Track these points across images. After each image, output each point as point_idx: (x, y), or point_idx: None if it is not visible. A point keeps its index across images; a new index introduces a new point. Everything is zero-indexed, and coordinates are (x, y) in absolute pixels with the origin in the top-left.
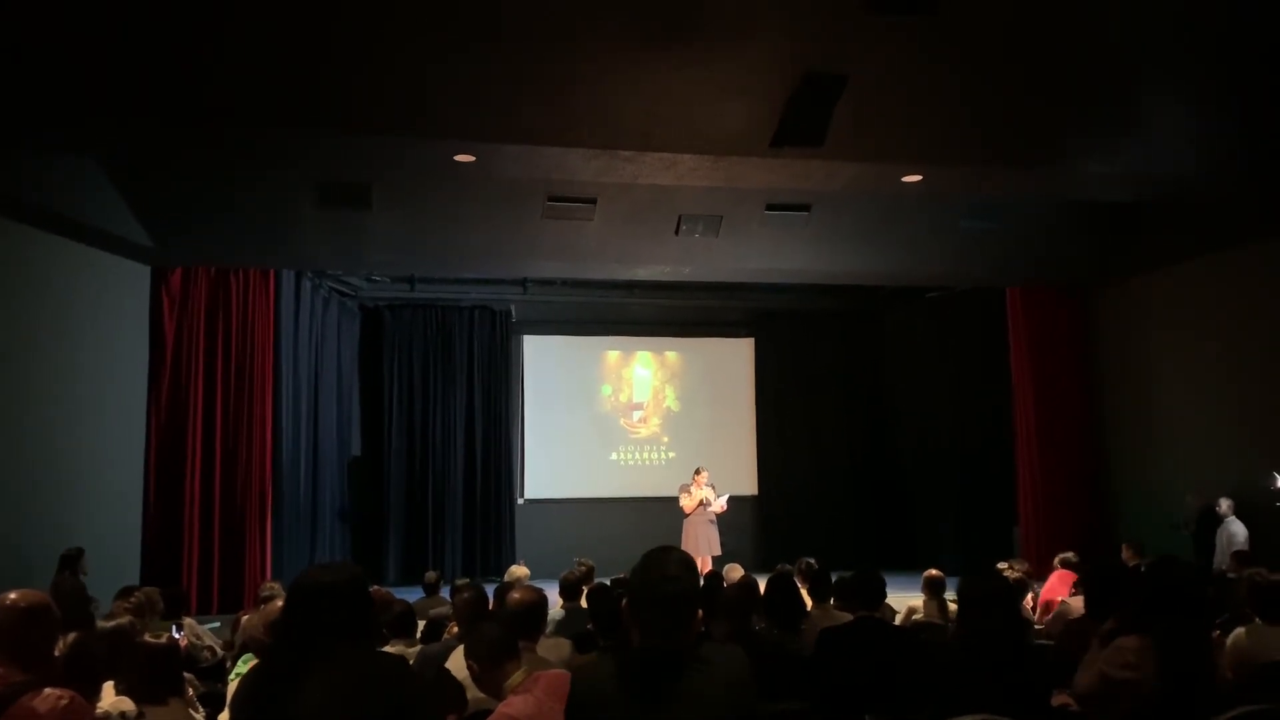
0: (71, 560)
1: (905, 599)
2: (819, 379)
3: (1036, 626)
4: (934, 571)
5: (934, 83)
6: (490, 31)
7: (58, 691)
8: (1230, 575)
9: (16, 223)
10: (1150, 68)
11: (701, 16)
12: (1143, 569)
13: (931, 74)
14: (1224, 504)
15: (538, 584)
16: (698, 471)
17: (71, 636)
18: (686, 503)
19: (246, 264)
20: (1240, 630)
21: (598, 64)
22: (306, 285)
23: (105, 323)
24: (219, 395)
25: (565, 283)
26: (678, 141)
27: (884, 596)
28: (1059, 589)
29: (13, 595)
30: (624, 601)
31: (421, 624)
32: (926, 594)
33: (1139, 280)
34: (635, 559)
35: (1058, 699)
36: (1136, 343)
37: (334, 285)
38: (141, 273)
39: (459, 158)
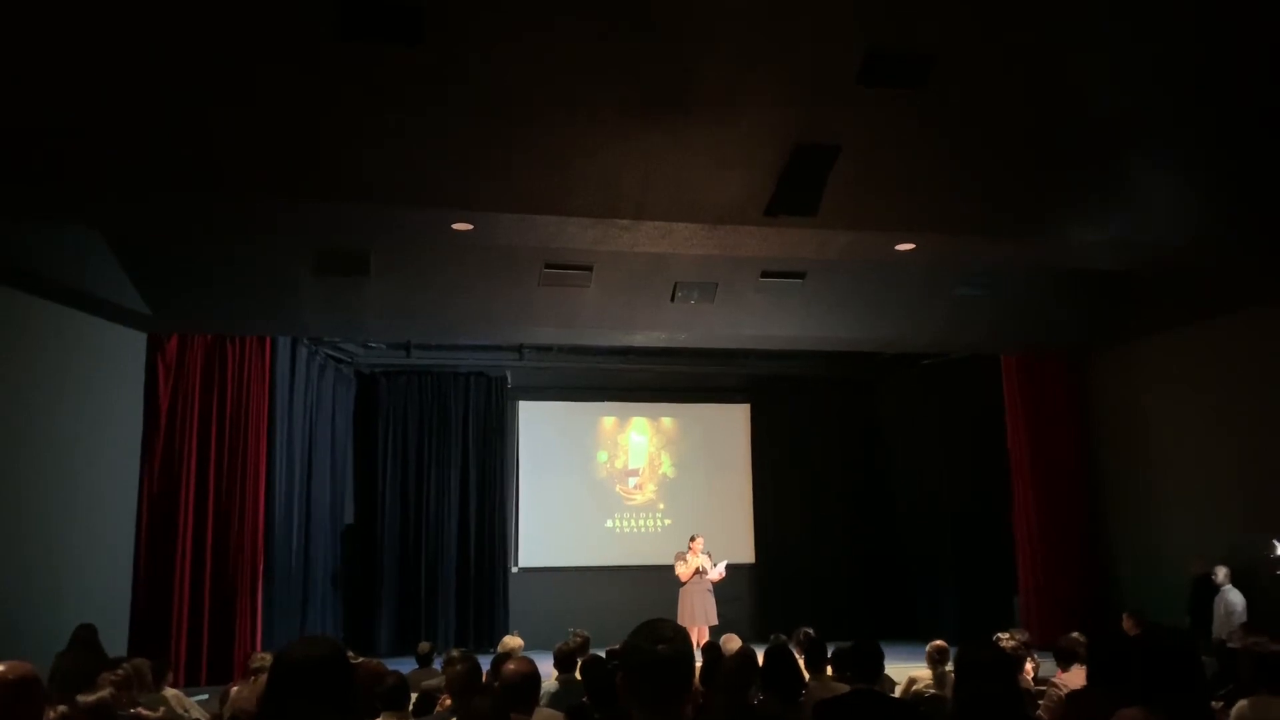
0: (83, 640)
1: (905, 669)
2: (816, 445)
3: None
4: (939, 642)
5: (926, 152)
6: (487, 103)
7: None
8: (1230, 645)
9: (12, 289)
10: (1141, 137)
11: (695, 87)
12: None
13: (924, 144)
14: (1220, 573)
15: (532, 655)
16: (693, 539)
17: (60, 709)
18: (682, 571)
19: (244, 331)
20: (1244, 702)
21: (593, 135)
22: (303, 352)
23: (101, 390)
24: (212, 463)
25: (561, 349)
26: (673, 210)
27: (882, 668)
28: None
29: (1, 668)
30: (619, 676)
31: (414, 696)
32: (929, 664)
33: (1134, 347)
34: (631, 629)
35: None
36: (1132, 409)
37: (330, 352)
38: (138, 340)
39: (457, 226)
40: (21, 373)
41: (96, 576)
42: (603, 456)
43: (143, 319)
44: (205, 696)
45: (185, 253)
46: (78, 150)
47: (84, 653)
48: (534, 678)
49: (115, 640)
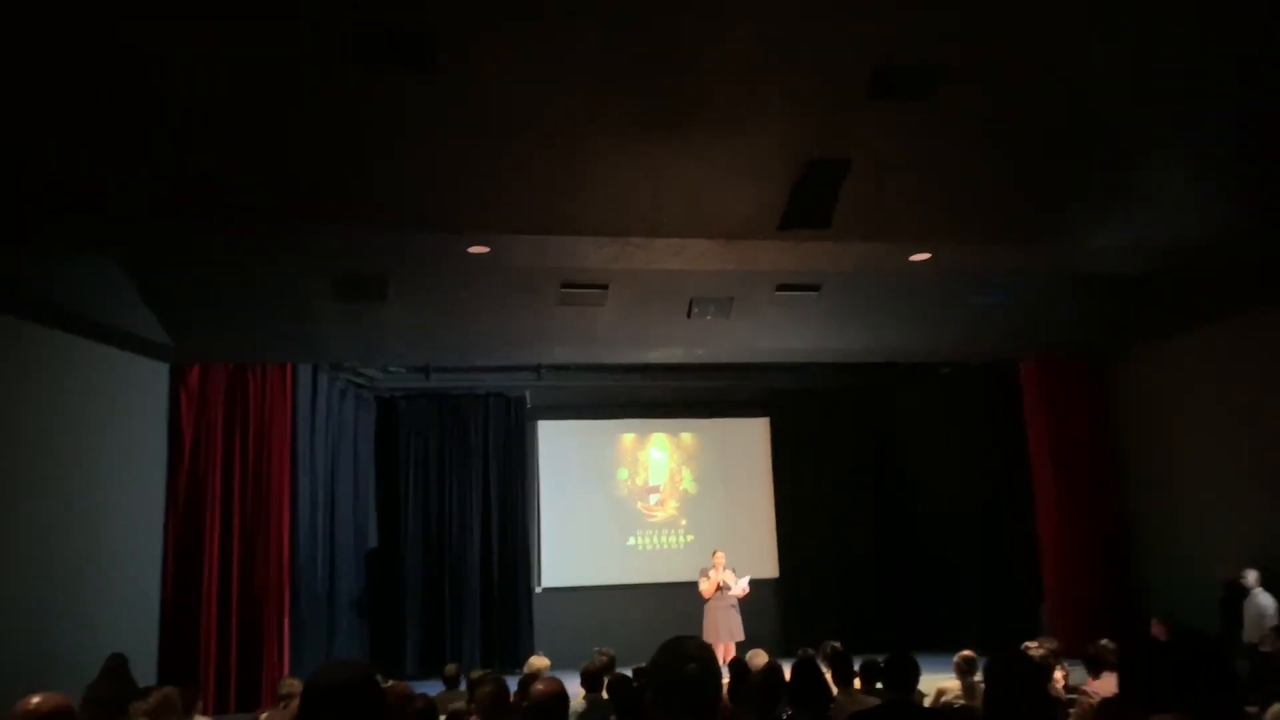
0: (113, 670)
1: (932, 680)
2: (837, 457)
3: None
4: (968, 652)
5: (938, 162)
6: (499, 125)
7: None
8: (1263, 649)
9: (35, 323)
10: (1154, 139)
11: (704, 104)
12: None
13: (935, 154)
14: (1250, 576)
15: (558, 674)
16: (715, 554)
17: None
18: (705, 587)
19: (264, 359)
20: (1278, 705)
21: (605, 153)
22: (323, 378)
23: (124, 421)
24: (236, 491)
25: (579, 367)
26: (687, 227)
27: (917, 681)
28: None
29: (35, 699)
30: (648, 695)
31: (442, 718)
32: (958, 674)
33: (1154, 349)
34: (656, 646)
35: None
36: (1154, 412)
37: (350, 377)
38: (160, 370)
39: (473, 249)
40: (46, 406)
41: (125, 606)
42: (623, 474)
43: (165, 350)
44: None
45: (205, 283)
46: (93, 181)
47: (115, 682)
48: (562, 698)
49: (144, 669)
